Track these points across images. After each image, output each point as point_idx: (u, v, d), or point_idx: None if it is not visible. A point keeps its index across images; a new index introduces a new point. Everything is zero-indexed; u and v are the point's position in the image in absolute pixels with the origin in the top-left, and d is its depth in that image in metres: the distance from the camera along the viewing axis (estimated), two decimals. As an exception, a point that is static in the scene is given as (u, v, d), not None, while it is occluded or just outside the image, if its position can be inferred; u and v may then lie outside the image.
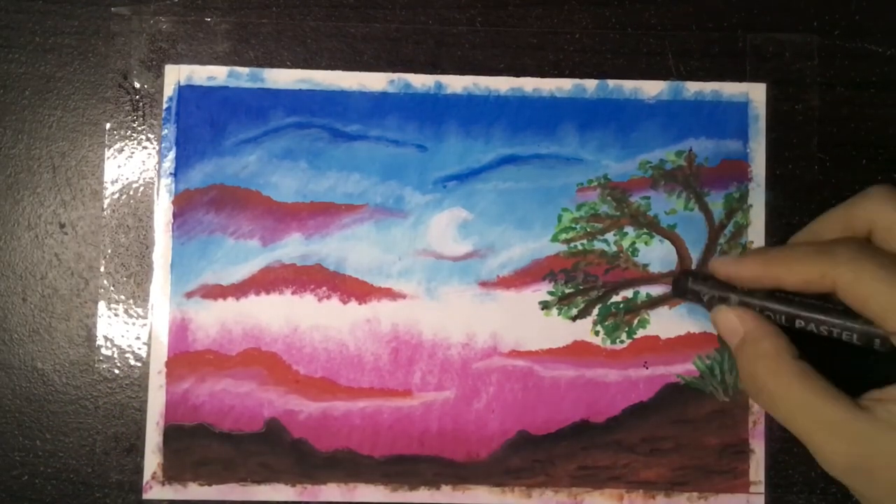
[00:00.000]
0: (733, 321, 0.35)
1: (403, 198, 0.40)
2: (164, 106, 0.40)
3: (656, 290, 0.40)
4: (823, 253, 0.33)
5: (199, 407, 0.39)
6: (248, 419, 0.39)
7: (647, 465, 0.39)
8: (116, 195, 0.40)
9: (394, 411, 0.39)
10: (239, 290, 0.39)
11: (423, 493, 0.39)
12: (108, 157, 0.40)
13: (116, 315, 0.39)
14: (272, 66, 0.40)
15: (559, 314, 0.40)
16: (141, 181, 0.40)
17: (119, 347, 0.39)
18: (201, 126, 0.40)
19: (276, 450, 0.39)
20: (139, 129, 0.40)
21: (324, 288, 0.40)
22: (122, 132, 0.40)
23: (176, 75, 0.40)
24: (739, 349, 0.35)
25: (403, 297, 0.40)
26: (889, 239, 0.33)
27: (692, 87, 0.40)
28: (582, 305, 0.40)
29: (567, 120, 0.40)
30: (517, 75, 0.40)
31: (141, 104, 0.40)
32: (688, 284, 0.37)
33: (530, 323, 0.40)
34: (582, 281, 0.40)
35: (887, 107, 0.41)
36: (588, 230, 0.40)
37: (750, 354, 0.34)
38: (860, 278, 0.32)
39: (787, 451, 0.39)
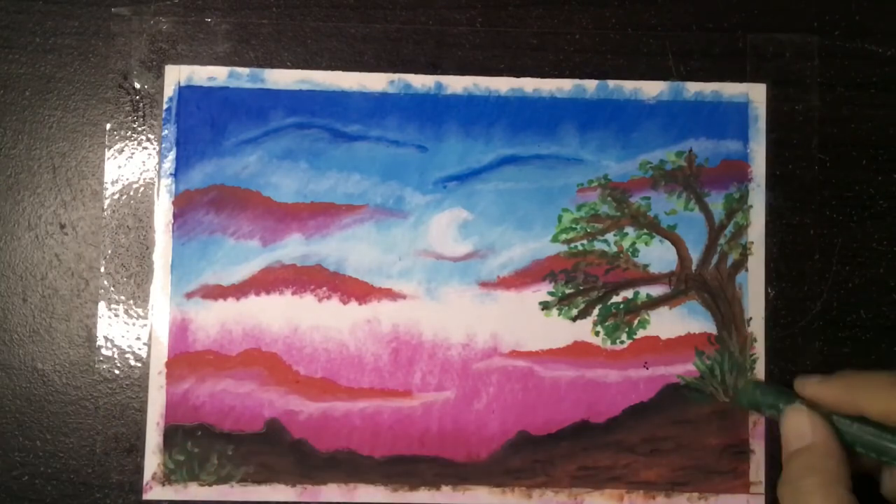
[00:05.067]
0: (805, 426, 0.34)
1: (404, 198, 0.40)
2: (165, 106, 0.40)
3: (656, 291, 0.40)
4: None
5: (199, 407, 0.39)
6: (249, 419, 0.39)
7: (647, 465, 0.39)
8: (117, 195, 0.40)
9: (394, 412, 0.39)
10: (239, 290, 0.39)
11: (423, 494, 0.39)
12: (109, 158, 0.40)
13: (117, 315, 0.39)
14: (272, 66, 0.40)
15: (559, 314, 0.40)
16: (141, 182, 0.40)
17: (119, 348, 0.39)
18: (201, 126, 0.40)
19: (276, 450, 0.39)
20: (139, 129, 0.40)
21: (324, 288, 0.40)
22: (123, 132, 0.40)
23: (176, 76, 0.40)
24: (797, 455, 0.33)
25: (403, 297, 0.40)
26: None
27: (692, 88, 0.40)
28: (582, 306, 0.40)
29: (567, 120, 0.40)
30: (517, 76, 0.40)
31: (141, 104, 0.40)
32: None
33: (530, 323, 0.40)
34: (582, 281, 0.40)
35: (887, 107, 0.41)
36: (588, 230, 0.40)
37: (805, 465, 0.33)
38: None
39: (787, 451, 0.39)
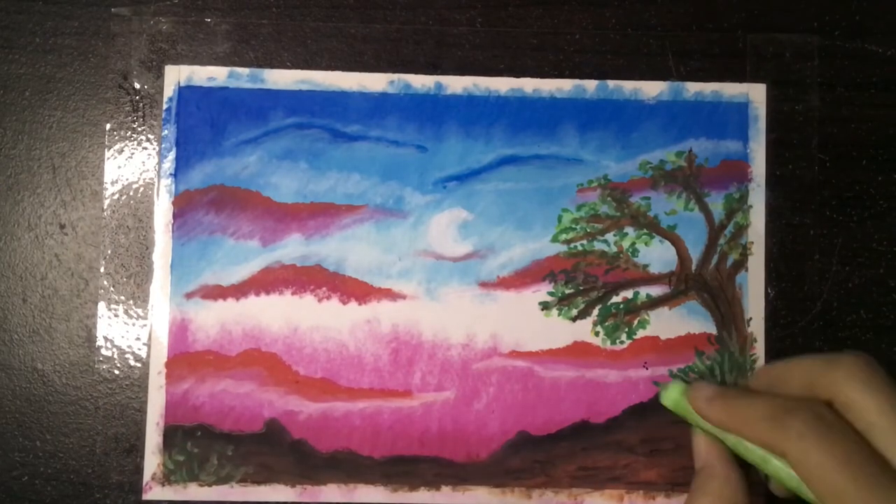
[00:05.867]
0: (702, 447, 0.36)
1: (403, 198, 0.40)
2: (164, 106, 0.40)
3: (656, 291, 0.40)
4: (778, 420, 0.32)
5: (199, 407, 0.39)
6: (248, 420, 0.39)
7: (647, 465, 0.39)
8: (116, 196, 0.40)
9: (394, 412, 0.39)
10: (239, 290, 0.39)
11: (423, 494, 0.39)
12: (108, 158, 0.40)
13: (116, 316, 0.39)
14: (272, 66, 0.40)
15: (559, 315, 0.40)
16: (141, 182, 0.40)
17: (119, 348, 0.39)
18: (201, 127, 0.40)
19: (276, 450, 0.39)
20: (139, 129, 0.40)
21: (324, 288, 0.40)
22: (122, 133, 0.40)
23: (176, 76, 0.40)
24: (696, 475, 0.36)
25: (403, 297, 0.40)
26: (846, 413, 0.32)
27: (692, 88, 0.40)
28: (582, 306, 0.40)
29: (567, 120, 0.40)
30: (517, 76, 0.40)
31: (141, 105, 0.40)
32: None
33: (530, 323, 0.40)
34: (582, 281, 0.40)
35: (887, 107, 0.41)
36: (588, 231, 0.40)
37: (697, 487, 0.35)
38: (804, 460, 0.31)
39: (787, 451, 0.39)
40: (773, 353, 0.39)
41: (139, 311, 0.39)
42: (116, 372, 0.39)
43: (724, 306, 0.40)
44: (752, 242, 0.40)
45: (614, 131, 0.40)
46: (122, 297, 0.39)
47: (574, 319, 0.40)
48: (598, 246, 0.40)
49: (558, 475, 0.39)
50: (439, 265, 0.40)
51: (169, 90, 0.40)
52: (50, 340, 0.39)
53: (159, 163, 0.40)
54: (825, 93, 0.41)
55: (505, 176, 0.40)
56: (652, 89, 0.40)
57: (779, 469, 0.33)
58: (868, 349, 0.40)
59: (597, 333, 0.40)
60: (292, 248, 0.40)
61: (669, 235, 0.40)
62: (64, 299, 0.40)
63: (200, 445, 0.39)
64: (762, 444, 0.33)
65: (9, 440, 0.39)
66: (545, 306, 0.40)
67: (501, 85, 0.40)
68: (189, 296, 0.39)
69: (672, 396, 0.37)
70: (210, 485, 0.39)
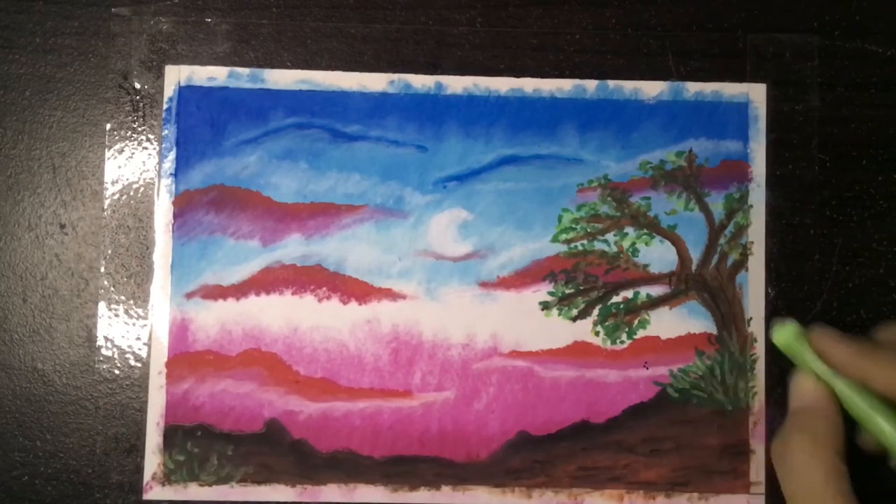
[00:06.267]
0: (807, 388, 0.34)
1: (403, 198, 0.40)
2: (165, 106, 0.40)
3: (656, 291, 0.40)
4: None
5: (199, 407, 0.39)
6: (248, 419, 0.39)
7: (647, 465, 0.39)
8: (117, 196, 0.40)
9: (394, 412, 0.39)
10: (239, 290, 0.39)
11: (423, 494, 0.39)
12: (109, 158, 0.40)
13: (117, 315, 0.39)
14: (272, 66, 0.40)
15: (559, 314, 0.40)
16: (141, 182, 0.40)
17: (119, 348, 0.39)
18: (201, 126, 0.40)
19: (276, 450, 0.39)
20: (139, 129, 0.40)
21: (324, 288, 0.40)
22: (123, 133, 0.40)
23: (176, 76, 0.40)
24: (793, 414, 0.35)
25: (403, 297, 0.40)
26: None
27: (692, 88, 0.40)
28: (582, 306, 0.40)
29: (567, 120, 0.40)
30: (517, 76, 0.40)
31: (141, 105, 0.40)
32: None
33: (530, 323, 0.40)
34: (582, 281, 0.40)
35: (887, 107, 0.41)
36: (588, 230, 0.40)
37: (797, 424, 0.34)
38: None
39: (787, 451, 0.39)
40: (773, 353, 0.39)
41: (139, 311, 0.39)
42: (116, 372, 0.39)
43: (725, 306, 0.40)
44: (752, 242, 0.40)
45: (614, 131, 0.40)
46: (123, 297, 0.39)
47: (574, 319, 0.40)
48: (598, 246, 0.40)
49: (558, 475, 0.39)
50: (439, 265, 0.40)
51: (169, 90, 0.40)
52: (50, 340, 0.39)
53: (159, 163, 0.40)
54: (825, 93, 0.41)
55: (505, 176, 0.40)
56: (652, 89, 0.40)
57: (881, 428, 0.32)
58: (868, 349, 0.40)
59: (597, 333, 0.40)
60: (292, 248, 0.40)
61: (669, 235, 0.40)
62: (64, 299, 0.40)
63: (200, 445, 0.39)
64: (886, 388, 0.32)
65: (9, 440, 0.39)
66: (545, 306, 0.40)
67: (501, 85, 0.40)
68: (189, 296, 0.39)
69: (784, 335, 0.36)
70: (210, 485, 0.39)
